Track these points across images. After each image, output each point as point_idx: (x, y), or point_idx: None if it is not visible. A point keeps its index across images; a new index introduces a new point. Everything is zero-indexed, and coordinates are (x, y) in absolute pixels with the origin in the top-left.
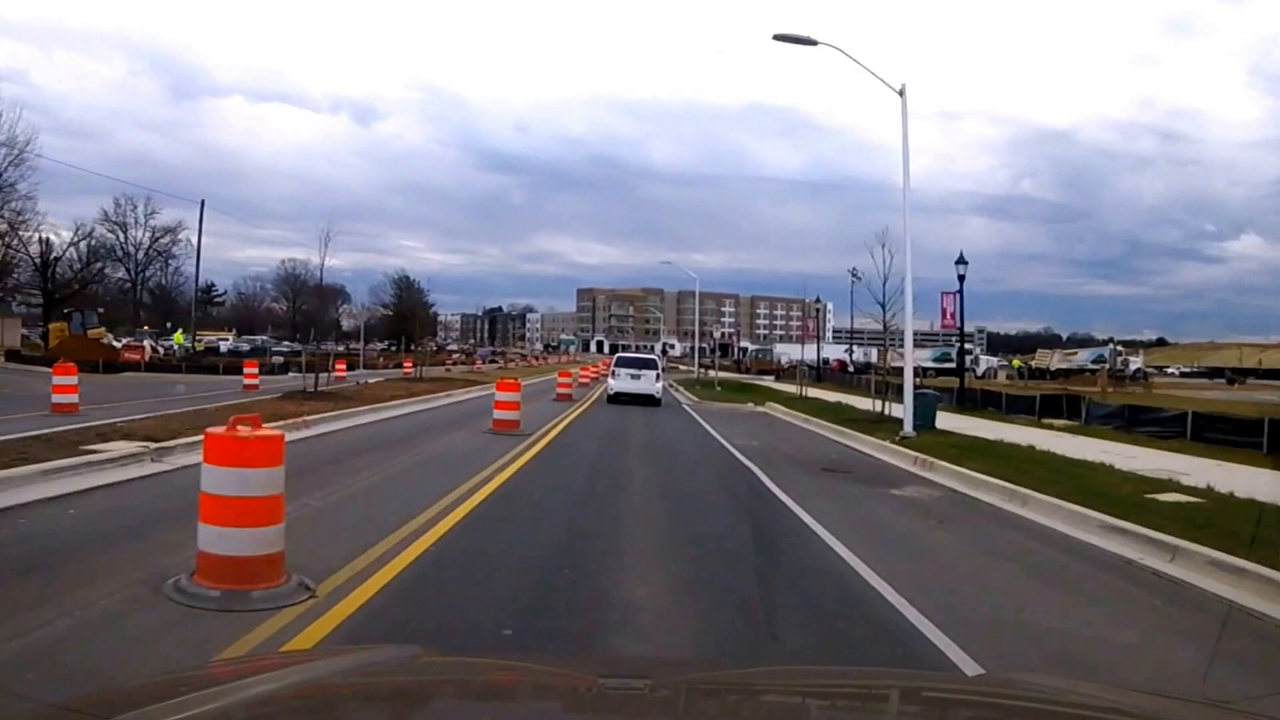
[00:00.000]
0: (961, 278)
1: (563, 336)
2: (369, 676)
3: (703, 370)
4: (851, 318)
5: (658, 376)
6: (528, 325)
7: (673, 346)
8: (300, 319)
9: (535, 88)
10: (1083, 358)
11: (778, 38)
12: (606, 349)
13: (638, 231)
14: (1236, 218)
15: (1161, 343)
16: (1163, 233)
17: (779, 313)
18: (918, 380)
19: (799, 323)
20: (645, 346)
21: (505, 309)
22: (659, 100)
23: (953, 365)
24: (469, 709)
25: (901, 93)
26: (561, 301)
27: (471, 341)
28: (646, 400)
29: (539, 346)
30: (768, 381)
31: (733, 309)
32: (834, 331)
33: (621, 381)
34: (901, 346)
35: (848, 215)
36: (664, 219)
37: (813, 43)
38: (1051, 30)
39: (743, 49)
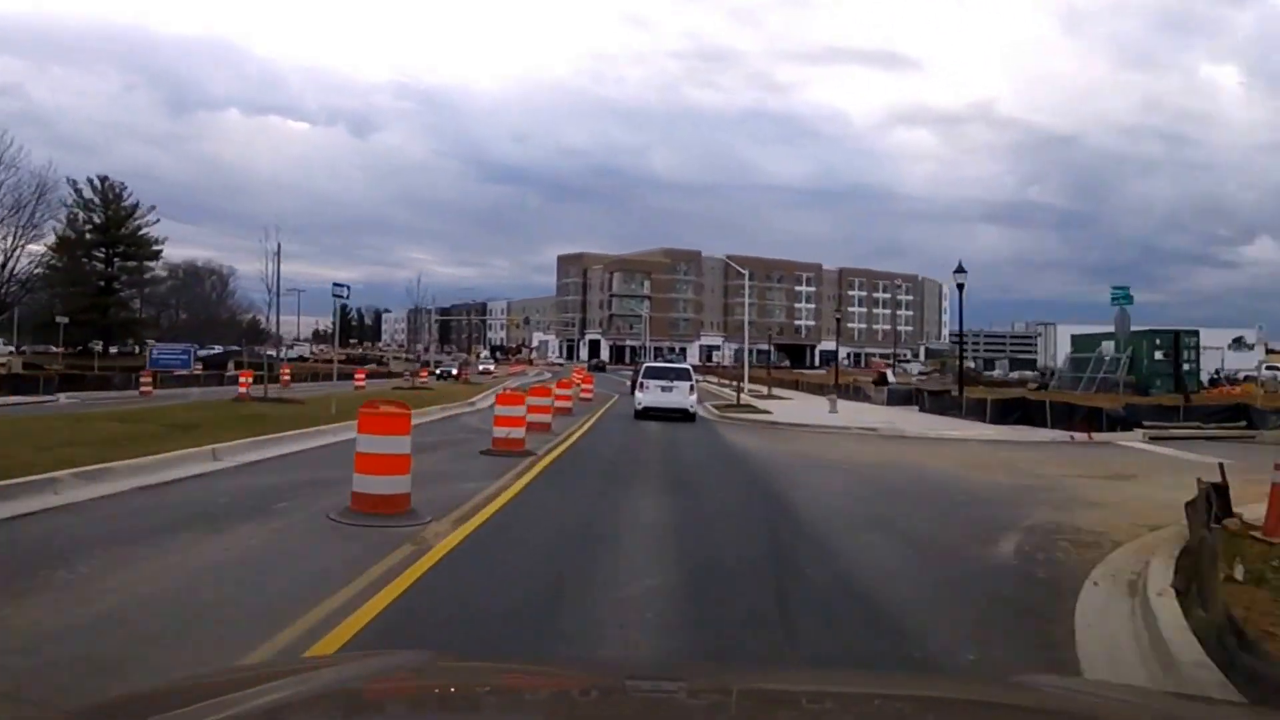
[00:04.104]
0: None
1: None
2: (389, 682)
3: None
4: None
5: (691, 388)
6: (489, 318)
7: (716, 347)
8: None
9: (530, 98)
10: None
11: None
12: (606, 353)
13: (647, 240)
14: (1250, 221)
15: None
16: (1175, 238)
17: (879, 296)
18: None
19: (910, 312)
20: (673, 351)
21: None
22: (657, 108)
23: None
24: (496, 711)
25: None
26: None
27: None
28: (679, 415)
29: (484, 353)
30: None
31: (813, 289)
32: (951, 335)
33: (651, 394)
34: None
35: (857, 222)
36: (673, 227)
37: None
38: (1049, 32)
39: (740, 57)
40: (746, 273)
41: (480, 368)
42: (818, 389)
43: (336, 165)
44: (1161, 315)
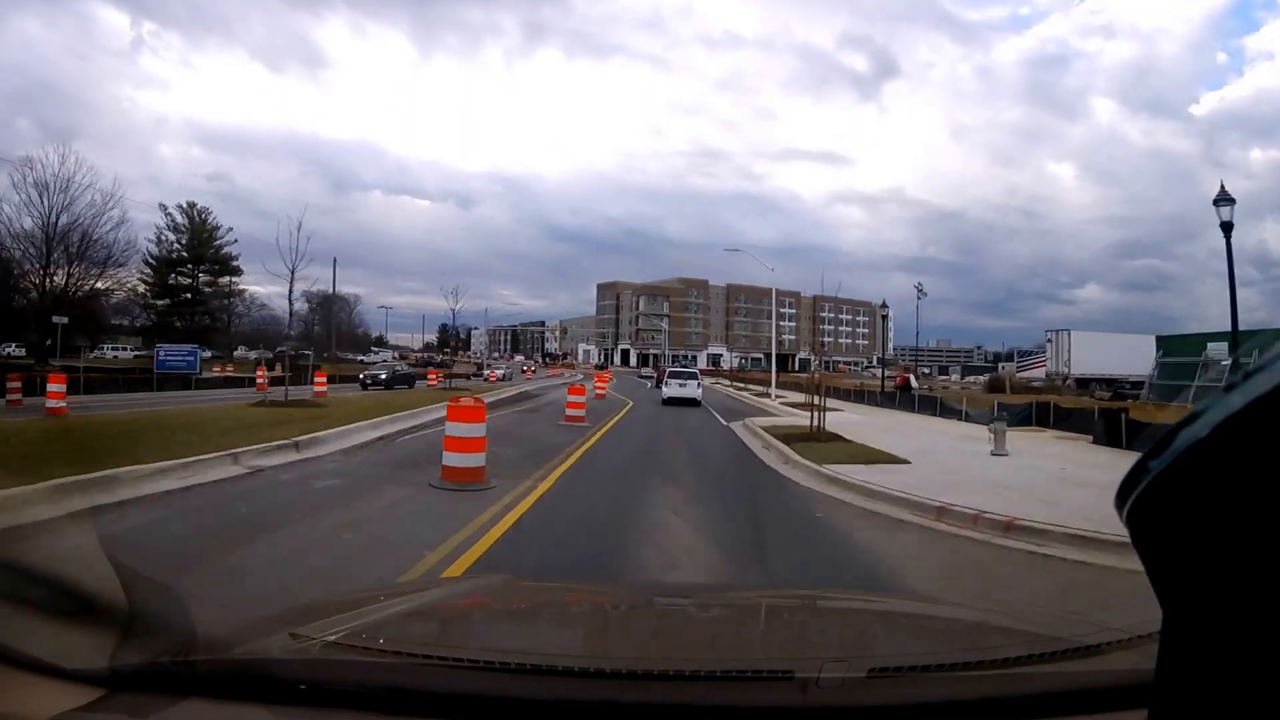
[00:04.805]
0: None
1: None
2: (480, 596)
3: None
4: None
5: (698, 385)
6: (547, 332)
7: (721, 355)
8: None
9: (582, 183)
10: None
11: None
12: (634, 360)
13: (665, 277)
14: (1081, 272)
15: None
16: (1029, 283)
17: (845, 316)
18: None
19: (866, 329)
20: (686, 357)
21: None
22: (670, 190)
23: None
24: (553, 614)
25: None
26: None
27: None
28: (690, 402)
29: (516, 359)
30: None
31: (793, 310)
32: (895, 349)
33: (672, 389)
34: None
35: (810, 270)
36: (682, 273)
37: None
38: (942, 139)
39: (728, 155)
40: (773, 291)
41: (486, 373)
42: (859, 396)
43: (448, 229)
44: (1020, 338)
